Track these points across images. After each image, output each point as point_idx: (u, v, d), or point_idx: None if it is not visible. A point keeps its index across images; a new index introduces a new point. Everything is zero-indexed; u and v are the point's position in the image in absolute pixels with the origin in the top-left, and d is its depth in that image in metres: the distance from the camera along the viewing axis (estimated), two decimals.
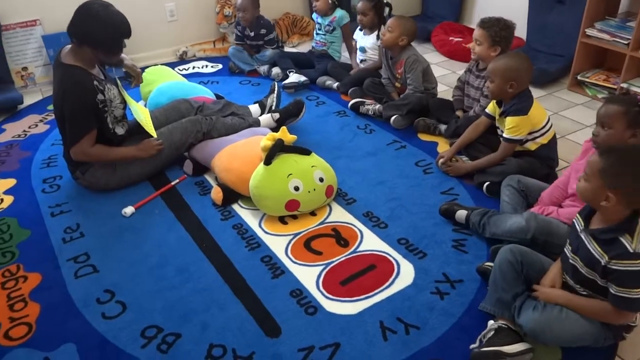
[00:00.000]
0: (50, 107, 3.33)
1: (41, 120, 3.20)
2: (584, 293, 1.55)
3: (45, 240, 2.17)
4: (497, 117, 2.42)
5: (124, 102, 2.48)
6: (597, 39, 3.16)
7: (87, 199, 2.41)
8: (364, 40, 3.41)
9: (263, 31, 3.67)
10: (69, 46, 2.29)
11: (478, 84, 2.69)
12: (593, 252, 1.46)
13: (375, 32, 3.32)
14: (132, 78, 2.65)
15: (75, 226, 2.24)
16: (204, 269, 1.98)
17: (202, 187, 2.48)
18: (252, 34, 3.69)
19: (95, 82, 2.27)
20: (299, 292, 1.86)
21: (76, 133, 2.27)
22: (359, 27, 3.44)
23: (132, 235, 2.18)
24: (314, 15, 3.70)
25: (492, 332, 1.60)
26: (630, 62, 3.01)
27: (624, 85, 3.05)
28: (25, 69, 3.63)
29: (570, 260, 1.55)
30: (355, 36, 3.52)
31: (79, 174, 2.41)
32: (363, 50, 3.42)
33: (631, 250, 1.39)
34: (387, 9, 3.35)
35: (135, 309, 1.81)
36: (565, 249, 1.60)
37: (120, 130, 2.45)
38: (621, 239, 1.41)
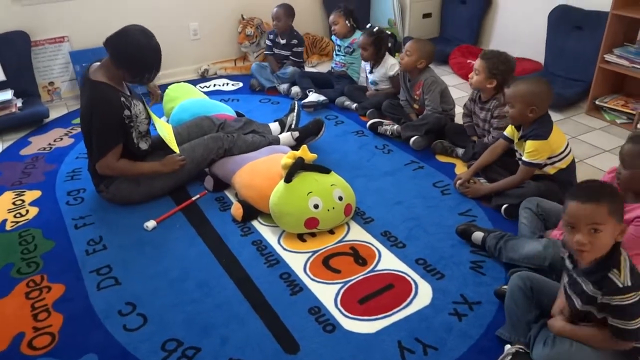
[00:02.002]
0: (75, 121, 3.42)
1: (66, 134, 3.28)
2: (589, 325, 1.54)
3: (68, 251, 2.21)
4: (515, 141, 2.44)
5: (148, 117, 2.54)
6: (615, 64, 3.18)
7: (110, 212, 2.46)
8: (372, 76, 3.46)
9: (294, 41, 3.79)
10: (98, 63, 2.37)
11: (484, 116, 2.72)
12: (588, 291, 1.46)
13: (383, 65, 3.38)
14: (151, 96, 2.74)
15: (98, 238, 2.29)
16: (224, 283, 2.01)
17: (222, 203, 2.52)
18: (283, 41, 3.79)
19: (123, 99, 2.33)
20: (317, 310, 1.87)
21: (103, 147, 2.33)
22: (363, 60, 3.50)
23: (153, 249, 2.22)
24: (333, 37, 3.77)
25: (509, 357, 1.59)
26: None
27: None
28: (51, 83, 3.73)
29: (571, 296, 1.55)
30: (363, 65, 3.59)
31: (103, 187, 2.47)
32: (374, 83, 3.47)
33: (620, 285, 1.39)
34: (391, 40, 3.38)
35: (156, 322, 1.84)
36: (564, 282, 1.59)
37: (144, 145, 2.51)
38: (610, 275, 1.41)
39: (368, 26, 3.39)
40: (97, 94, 2.30)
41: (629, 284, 1.39)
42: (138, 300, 1.94)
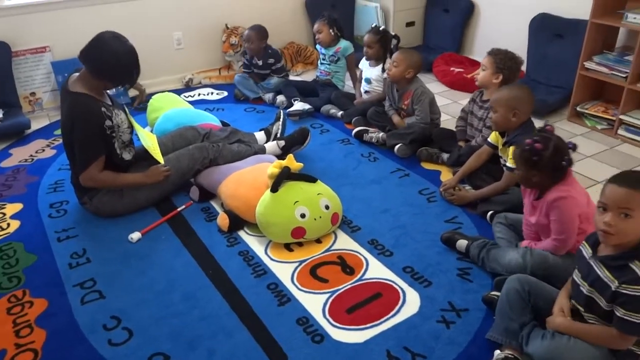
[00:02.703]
0: (57, 132, 3.37)
1: (48, 145, 3.24)
2: (591, 320, 1.56)
3: (51, 265, 2.18)
4: (500, 147, 2.46)
5: (131, 127, 2.52)
6: (595, 71, 3.23)
7: (93, 224, 2.43)
8: (370, 71, 3.47)
9: (271, 60, 3.76)
10: (77, 74, 2.34)
11: (482, 114, 2.74)
12: (603, 277, 1.49)
13: (381, 65, 3.39)
14: (137, 96, 2.70)
15: (82, 251, 2.25)
16: (211, 295, 1.99)
17: (208, 214, 2.50)
18: (260, 62, 3.77)
19: (103, 109, 2.31)
20: (305, 320, 1.86)
21: (85, 159, 2.30)
22: (365, 57, 3.51)
23: (138, 261, 2.19)
24: (318, 46, 3.79)
25: None
26: (628, 94, 3.07)
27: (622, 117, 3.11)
28: (33, 94, 3.69)
29: (580, 287, 1.57)
30: (361, 65, 3.59)
31: (86, 199, 2.44)
32: (368, 81, 3.49)
33: None
34: (394, 41, 3.42)
35: (142, 336, 1.81)
36: (574, 275, 1.62)
37: (127, 156, 2.48)
38: (631, 265, 1.44)
39: (373, 25, 3.41)
40: (76, 106, 2.27)
41: None
42: (123, 314, 1.91)
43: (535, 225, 1.99)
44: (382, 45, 3.35)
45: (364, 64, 3.55)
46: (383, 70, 3.36)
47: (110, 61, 2.25)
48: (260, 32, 3.71)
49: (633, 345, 1.51)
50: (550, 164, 1.85)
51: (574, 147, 1.91)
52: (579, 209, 1.87)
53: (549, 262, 1.89)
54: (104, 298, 1.99)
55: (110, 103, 2.40)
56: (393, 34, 3.44)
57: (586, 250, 1.59)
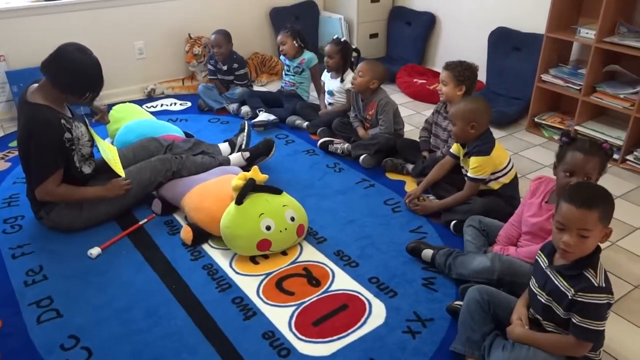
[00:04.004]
0: (12, 144, 3.26)
1: (2, 158, 3.12)
2: (549, 328, 1.60)
3: (5, 283, 2.09)
4: (461, 158, 2.51)
5: (91, 140, 2.45)
6: (551, 84, 3.35)
7: (50, 239, 2.35)
8: (331, 83, 3.50)
9: (235, 65, 3.76)
10: (36, 85, 2.27)
11: (446, 125, 2.79)
12: (560, 286, 1.52)
13: (341, 77, 3.42)
14: (98, 114, 2.64)
15: (38, 268, 2.17)
16: (174, 311, 1.94)
17: (171, 227, 2.45)
18: (224, 67, 3.76)
19: (63, 121, 2.24)
20: (271, 334, 1.84)
21: (41, 172, 2.22)
22: (326, 70, 3.53)
23: (98, 277, 2.12)
24: (282, 57, 3.79)
25: None
26: (583, 106, 3.19)
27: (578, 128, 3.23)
28: None
29: (537, 296, 1.61)
30: (323, 77, 3.61)
31: (43, 213, 2.35)
32: (331, 93, 3.52)
33: (596, 284, 1.47)
34: (354, 54, 3.45)
35: (102, 355, 1.75)
36: (530, 285, 1.66)
37: (87, 169, 2.41)
38: (585, 273, 1.49)
39: (335, 37, 3.43)
40: (34, 117, 2.19)
41: (603, 285, 1.46)
42: (82, 333, 1.84)
43: (533, 226, 1.99)
44: (343, 56, 3.38)
45: (325, 76, 3.58)
46: (342, 81, 3.39)
47: (74, 74, 2.19)
48: (227, 35, 3.73)
49: (589, 351, 1.55)
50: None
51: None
52: None
53: (516, 268, 1.92)
54: (62, 317, 1.92)
55: (70, 115, 2.34)
56: (354, 47, 3.48)
57: (542, 260, 1.63)
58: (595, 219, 1.45)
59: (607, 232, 1.50)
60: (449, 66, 2.73)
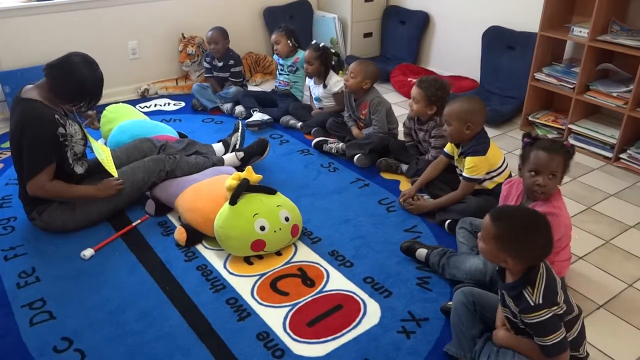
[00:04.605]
0: (5, 145, 3.24)
1: None
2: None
3: None
4: (456, 157, 2.51)
5: (85, 139, 2.44)
6: (545, 82, 3.35)
7: (43, 241, 2.33)
8: (316, 90, 3.50)
9: (231, 62, 3.75)
10: (32, 85, 2.26)
11: (422, 136, 2.81)
12: (510, 306, 1.53)
13: (323, 82, 3.42)
14: (86, 120, 2.63)
15: (31, 270, 2.15)
16: (167, 313, 1.93)
17: (165, 228, 2.43)
18: (220, 64, 3.75)
19: (57, 116, 2.23)
20: (265, 335, 1.83)
21: (34, 166, 2.20)
22: (306, 75, 3.52)
23: (91, 278, 2.11)
24: (275, 57, 3.78)
25: None
26: (576, 104, 3.20)
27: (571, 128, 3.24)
28: None
29: (504, 312, 1.61)
30: (308, 83, 3.61)
31: (35, 214, 2.33)
32: (318, 99, 3.52)
33: (532, 304, 1.46)
34: (335, 58, 3.44)
35: (95, 357, 1.74)
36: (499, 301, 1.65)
37: (79, 169, 2.39)
38: (524, 293, 1.47)
39: (313, 42, 3.42)
40: (28, 111, 2.18)
41: (540, 302, 1.45)
42: (75, 335, 1.83)
43: None
44: (322, 62, 3.36)
45: (309, 82, 3.57)
46: (325, 86, 3.40)
47: (78, 86, 2.20)
48: (223, 31, 3.72)
49: (572, 351, 1.54)
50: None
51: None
52: (565, 229, 1.89)
53: None
54: (55, 319, 1.91)
55: (63, 113, 2.32)
56: (333, 51, 3.44)
57: (498, 279, 1.61)
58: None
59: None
60: (422, 84, 2.70)
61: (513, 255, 1.47)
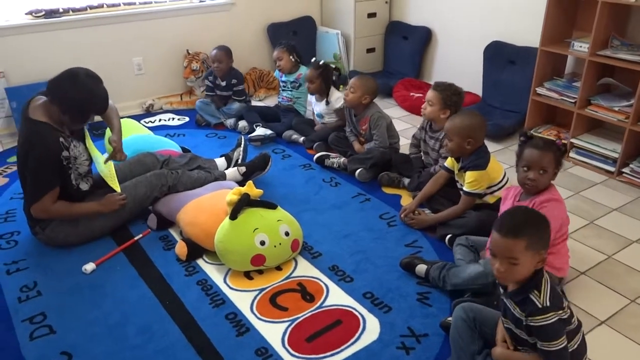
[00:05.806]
0: (11, 159, 3.27)
1: (0, 173, 3.13)
2: (524, 351, 1.58)
3: None
4: (456, 172, 2.51)
5: (89, 159, 2.46)
6: (546, 97, 3.36)
7: (46, 255, 2.35)
8: (318, 106, 3.52)
9: (234, 81, 3.77)
10: (39, 101, 2.27)
11: (433, 145, 2.80)
12: (516, 314, 1.52)
13: (325, 99, 3.44)
14: (112, 153, 2.60)
15: (32, 284, 2.17)
16: (167, 327, 1.94)
17: (166, 242, 2.45)
18: (223, 83, 3.77)
19: (62, 139, 2.25)
20: (264, 351, 1.83)
21: (38, 190, 2.23)
22: (308, 92, 3.55)
23: (91, 293, 2.12)
24: (277, 74, 3.81)
25: None
26: (578, 119, 3.20)
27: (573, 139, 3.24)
28: None
29: (505, 324, 1.60)
30: (310, 100, 3.63)
31: (38, 229, 2.36)
32: (320, 116, 3.53)
33: (540, 306, 1.45)
34: (336, 74, 3.46)
35: None
36: (501, 315, 1.64)
37: (84, 186, 2.42)
38: (531, 296, 1.47)
39: (313, 60, 3.45)
40: (34, 134, 2.21)
41: (548, 304, 1.45)
42: (74, 350, 1.84)
43: None
44: (324, 79, 3.38)
45: (311, 98, 3.59)
46: (327, 103, 3.41)
47: (83, 101, 2.21)
48: (227, 50, 3.74)
49: None
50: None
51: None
52: (563, 215, 1.99)
53: None
54: (55, 333, 1.92)
55: (69, 134, 2.34)
56: (334, 67, 3.46)
57: (500, 288, 1.61)
58: (522, 247, 1.44)
59: (542, 258, 1.48)
60: (438, 87, 2.72)
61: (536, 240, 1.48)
